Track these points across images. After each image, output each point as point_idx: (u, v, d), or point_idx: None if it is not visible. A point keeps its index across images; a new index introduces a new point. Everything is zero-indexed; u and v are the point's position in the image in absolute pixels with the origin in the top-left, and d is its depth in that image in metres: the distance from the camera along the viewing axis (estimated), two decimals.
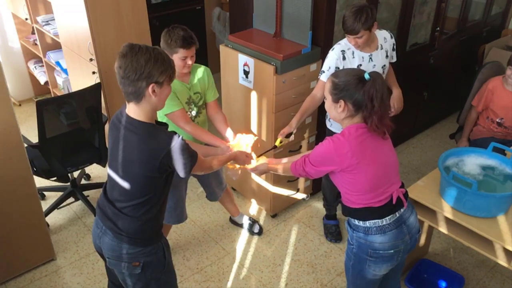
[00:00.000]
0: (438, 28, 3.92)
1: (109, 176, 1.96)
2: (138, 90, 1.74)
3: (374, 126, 1.89)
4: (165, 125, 1.92)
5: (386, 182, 1.96)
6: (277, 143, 2.68)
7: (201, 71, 2.66)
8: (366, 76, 1.88)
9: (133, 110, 1.80)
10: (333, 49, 2.68)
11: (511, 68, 3.10)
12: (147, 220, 1.92)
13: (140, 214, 1.89)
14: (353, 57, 2.65)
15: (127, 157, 1.84)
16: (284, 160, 2.38)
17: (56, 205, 3.42)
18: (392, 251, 2.00)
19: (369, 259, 2.02)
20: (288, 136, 2.69)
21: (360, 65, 2.66)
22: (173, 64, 1.82)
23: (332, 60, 2.65)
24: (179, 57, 2.45)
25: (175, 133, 1.83)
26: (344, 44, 2.67)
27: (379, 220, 1.97)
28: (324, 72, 2.68)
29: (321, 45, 3.04)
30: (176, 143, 1.78)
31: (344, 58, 2.64)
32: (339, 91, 1.91)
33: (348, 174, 1.93)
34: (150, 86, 1.73)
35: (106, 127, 3.41)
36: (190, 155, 1.85)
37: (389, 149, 2.02)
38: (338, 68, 2.64)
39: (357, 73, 1.92)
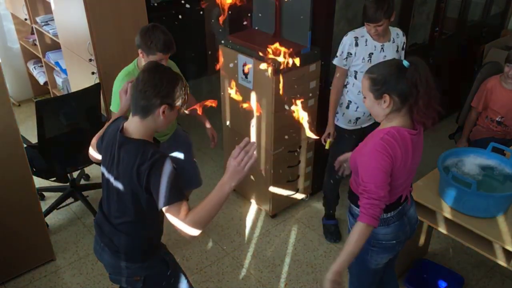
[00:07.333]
0: (438, 28, 3.93)
1: (103, 189, 1.95)
2: (149, 106, 1.71)
3: (421, 113, 1.77)
4: (158, 142, 1.91)
5: (403, 185, 1.95)
6: (327, 146, 2.86)
7: (174, 68, 2.62)
8: (405, 63, 1.76)
9: (134, 125, 1.77)
10: (346, 35, 2.73)
11: (509, 65, 3.11)
12: (143, 237, 1.91)
13: (135, 231, 1.88)
14: (366, 45, 2.69)
15: (119, 172, 1.80)
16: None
17: (55, 206, 3.42)
18: (394, 241, 2.02)
19: (371, 249, 2.03)
20: (330, 135, 2.87)
21: (372, 53, 2.69)
22: (188, 91, 1.82)
23: (345, 45, 2.71)
24: (155, 59, 2.42)
25: (166, 154, 1.75)
26: (358, 31, 2.71)
27: (384, 214, 1.95)
28: (337, 57, 2.76)
29: (321, 45, 3.04)
30: (164, 161, 1.68)
31: (356, 45, 2.68)
32: (380, 85, 1.79)
33: None
34: (163, 106, 1.71)
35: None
36: (176, 183, 1.68)
37: (420, 155, 1.96)
38: (350, 53, 2.69)
39: (394, 62, 1.83)
